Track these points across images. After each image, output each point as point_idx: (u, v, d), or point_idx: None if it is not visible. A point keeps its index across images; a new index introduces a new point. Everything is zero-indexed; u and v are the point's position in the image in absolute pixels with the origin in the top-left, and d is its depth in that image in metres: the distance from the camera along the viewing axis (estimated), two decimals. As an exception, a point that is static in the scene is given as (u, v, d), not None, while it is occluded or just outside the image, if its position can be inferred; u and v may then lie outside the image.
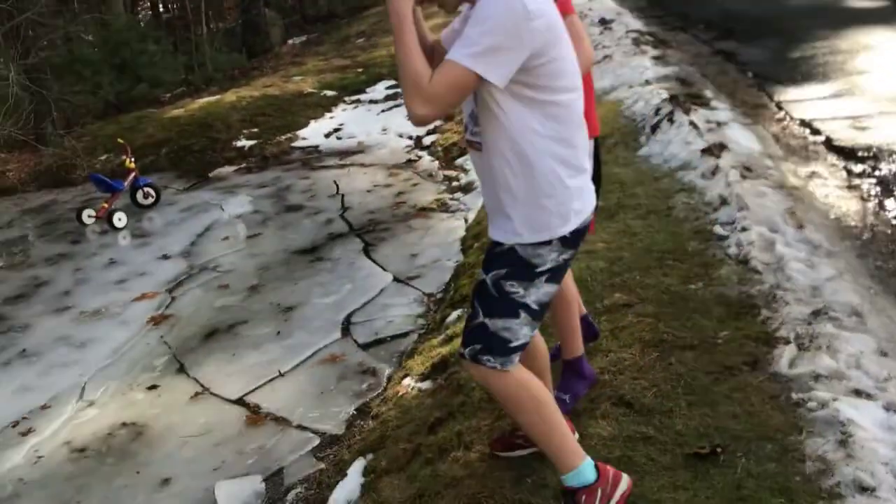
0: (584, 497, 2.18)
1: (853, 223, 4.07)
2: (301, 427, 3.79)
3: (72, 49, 10.22)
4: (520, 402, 2.13)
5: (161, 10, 16.05)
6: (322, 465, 3.45)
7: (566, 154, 2.03)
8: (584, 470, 2.18)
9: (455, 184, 7.02)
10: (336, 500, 3.08)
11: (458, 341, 3.90)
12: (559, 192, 2.03)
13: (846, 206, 4.27)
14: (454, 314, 4.34)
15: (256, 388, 4.16)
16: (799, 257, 3.48)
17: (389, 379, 4.06)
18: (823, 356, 2.74)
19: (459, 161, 7.48)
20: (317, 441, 3.66)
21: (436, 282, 5.08)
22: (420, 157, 8.04)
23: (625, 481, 2.25)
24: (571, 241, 2.09)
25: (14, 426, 4.10)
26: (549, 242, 2.05)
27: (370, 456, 3.27)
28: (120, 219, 6.99)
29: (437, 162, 7.79)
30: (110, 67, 10.66)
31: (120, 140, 7.67)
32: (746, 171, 4.55)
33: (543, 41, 1.89)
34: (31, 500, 3.53)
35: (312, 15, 18.71)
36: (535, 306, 2.08)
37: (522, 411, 2.15)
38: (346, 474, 3.22)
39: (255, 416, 3.93)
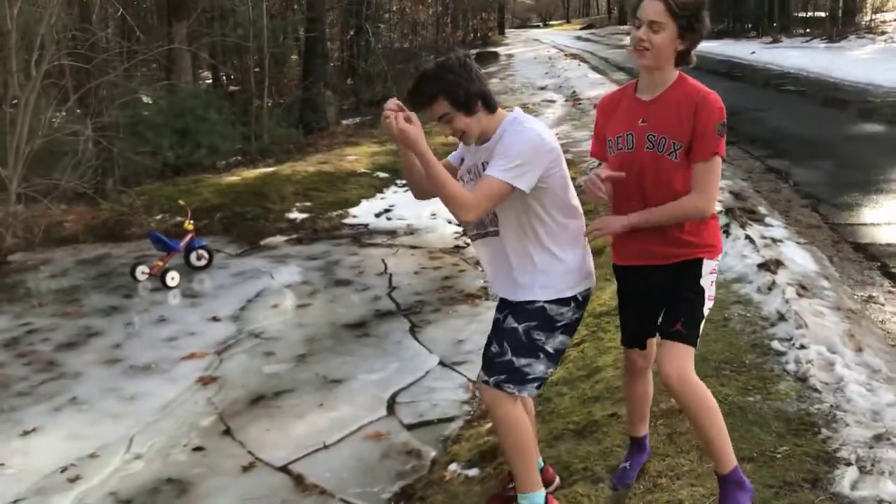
0: None
1: (910, 351, 4.08)
2: (344, 501, 3.80)
3: (138, 111, 10.63)
4: (510, 428, 2.71)
5: (225, 80, 16.69)
6: (367, 543, 3.45)
7: (574, 230, 2.78)
8: (536, 497, 2.79)
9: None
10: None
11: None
12: (569, 261, 2.74)
13: (903, 333, 4.29)
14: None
15: (301, 458, 4.19)
16: (859, 380, 3.49)
17: (434, 463, 4.07)
18: (887, 482, 2.74)
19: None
20: (360, 517, 3.67)
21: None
22: (468, 245, 8.16)
23: None
24: (583, 302, 2.81)
25: (63, 471, 4.15)
26: (568, 303, 2.74)
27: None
28: (173, 278, 7.15)
29: (484, 251, 7.89)
30: (172, 131, 11.05)
31: (181, 202, 7.91)
32: (803, 289, 4.59)
33: (552, 160, 2.65)
34: (73, 549, 3.55)
35: (367, 99, 19.29)
36: (550, 350, 2.75)
37: (510, 434, 2.72)
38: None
39: (300, 484, 3.95)
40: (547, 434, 3.67)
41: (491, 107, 2.66)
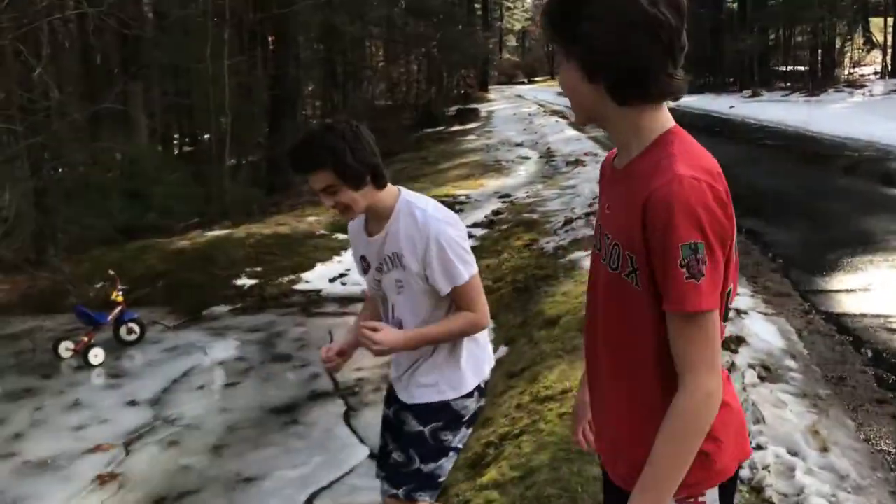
0: None
1: (886, 447, 3.56)
2: None
3: (86, 173, 10.18)
4: None
5: (180, 139, 16.26)
6: None
7: None
8: None
9: (454, 347, 6.59)
10: None
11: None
12: (472, 350, 2.55)
13: (877, 425, 3.77)
14: None
15: (189, 580, 3.62)
16: (822, 491, 2.97)
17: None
18: None
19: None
20: None
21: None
22: (422, 313, 7.66)
23: None
24: (485, 389, 2.63)
25: None
26: (471, 395, 2.55)
27: None
28: (97, 355, 6.60)
29: (439, 320, 7.38)
30: (122, 194, 10.58)
31: (110, 272, 7.39)
32: (765, 371, 4.09)
33: None
34: None
35: (340, 156, 18.95)
36: (458, 446, 2.59)
37: None
38: None
39: None
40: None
41: (381, 181, 2.39)
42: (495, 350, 6.02)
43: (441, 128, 26.35)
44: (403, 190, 2.49)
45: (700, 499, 1.56)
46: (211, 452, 4.94)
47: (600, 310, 1.63)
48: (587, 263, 2.55)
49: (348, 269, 9.32)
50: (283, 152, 14.46)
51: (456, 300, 2.44)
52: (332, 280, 9.03)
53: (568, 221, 8.93)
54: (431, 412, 2.51)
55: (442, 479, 2.58)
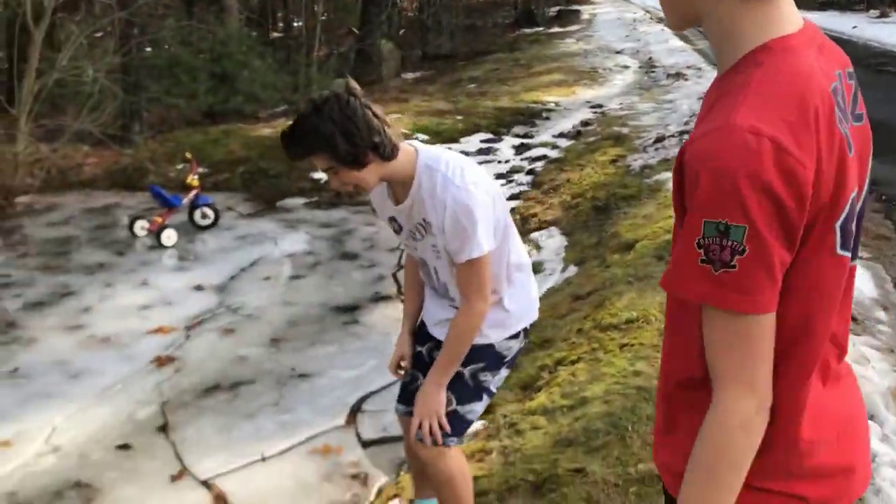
0: None
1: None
2: (261, 535, 3.24)
3: (175, 53, 10.14)
4: (454, 479, 2.45)
5: (272, 25, 16.08)
6: None
7: (520, 261, 2.43)
8: None
9: (524, 260, 6.40)
10: None
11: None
12: (517, 294, 2.41)
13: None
14: (475, 426, 3.72)
15: (231, 472, 3.64)
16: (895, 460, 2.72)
17: (379, 493, 3.47)
18: None
19: (535, 235, 6.86)
20: (272, 559, 3.10)
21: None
22: (496, 223, 7.46)
23: None
24: (529, 330, 2.51)
25: (-34, 461, 3.70)
26: (516, 336, 2.44)
27: None
28: (169, 237, 6.68)
29: (512, 231, 7.18)
30: (209, 76, 10.54)
31: (188, 155, 7.40)
32: (852, 322, 3.77)
33: (494, 205, 2.24)
34: (-56, 560, 3.09)
35: (432, 53, 18.52)
36: (493, 389, 2.47)
37: (452, 486, 2.45)
38: None
39: (218, 506, 3.40)
40: (501, 483, 3.02)
41: (386, 155, 2.14)
42: (564, 270, 5.82)
43: (539, 28, 25.39)
44: (421, 150, 2.25)
45: None
46: (269, 345, 4.95)
47: None
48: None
49: (426, 171, 9.17)
50: (371, 43, 14.20)
51: (457, 277, 2.27)
52: (409, 180, 8.89)
53: (660, 139, 8.48)
54: (473, 353, 2.37)
55: (471, 423, 2.47)
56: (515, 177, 8.66)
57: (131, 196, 8.25)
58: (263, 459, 3.73)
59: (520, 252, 2.46)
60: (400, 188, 2.27)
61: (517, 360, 4.02)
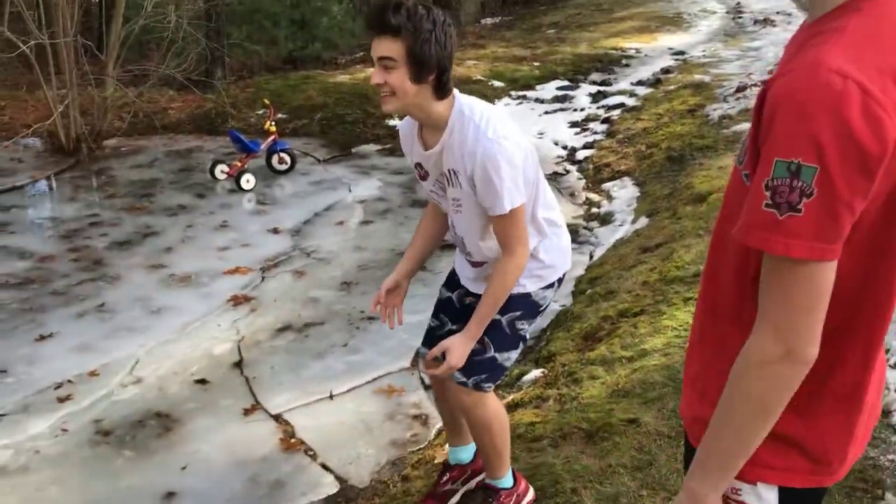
0: (503, 497, 2.65)
1: None
2: (325, 467, 3.39)
3: (257, -1, 10.29)
4: (492, 426, 2.51)
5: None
6: (324, 527, 3.04)
7: (551, 216, 2.44)
8: (509, 477, 2.67)
9: (594, 210, 6.38)
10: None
11: (522, 413, 3.38)
12: (551, 245, 2.46)
13: None
14: (533, 374, 3.79)
15: (300, 406, 3.81)
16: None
17: (439, 434, 3.59)
18: None
19: (607, 185, 6.81)
20: (333, 490, 3.25)
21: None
22: (568, 172, 7.42)
23: (531, 493, 2.72)
24: (560, 281, 2.55)
25: (57, 388, 3.96)
26: (552, 285, 2.50)
27: (372, 536, 2.83)
28: (248, 181, 6.87)
29: (584, 181, 7.14)
30: (289, 22, 10.65)
31: (266, 101, 7.55)
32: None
33: (527, 159, 2.25)
34: (37, 477, 3.34)
35: (513, -4, 18.24)
36: (528, 336, 2.54)
37: (490, 433, 2.52)
38: (339, 550, 2.80)
39: (286, 440, 3.57)
40: (555, 429, 3.09)
41: (442, 91, 2.17)
42: (635, 221, 5.77)
43: (625, -28, 24.60)
44: (459, 98, 2.24)
45: (741, 496, 1.24)
46: (340, 287, 5.10)
47: (723, 214, 1.30)
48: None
49: (501, 119, 9.13)
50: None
51: (494, 229, 2.29)
52: (483, 128, 8.87)
53: (741, 88, 8.22)
54: (511, 302, 2.40)
55: (507, 370, 2.52)
56: (591, 125, 8.55)
57: (212, 140, 8.49)
58: (331, 397, 3.88)
59: (551, 206, 2.46)
60: (430, 133, 2.27)
61: (574, 310, 4.07)
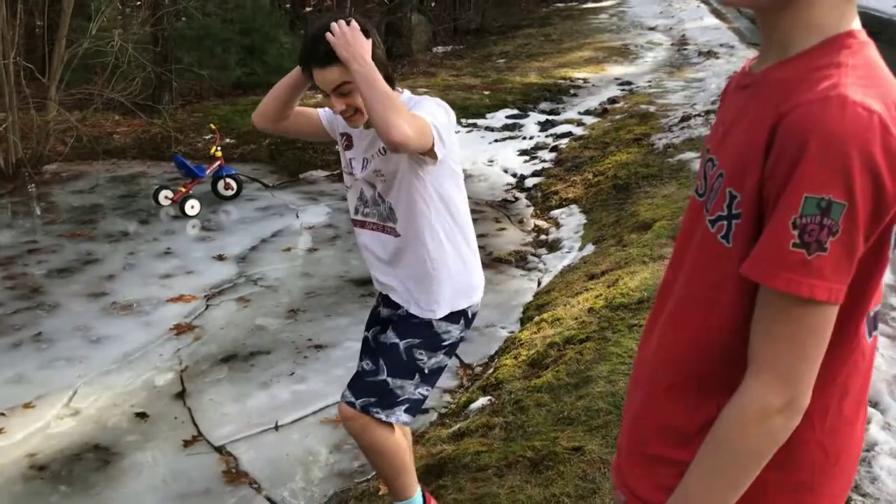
0: None
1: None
2: (269, 500, 3.32)
3: (207, 24, 10.20)
4: (383, 452, 2.45)
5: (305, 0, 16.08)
6: (267, 562, 2.97)
7: (467, 233, 2.45)
8: (416, 499, 2.60)
9: (542, 237, 6.42)
10: None
11: (468, 442, 3.36)
12: (459, 276, 2.41)
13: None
14: (481, 401, 3.78)
15: (245, 437, 3.73)
16: (895, 449, 2.73)
17: (386, 464, 3.54)
18: None
19: (555, 213, 6.88)
20: (279, 524, 3.19)
21: (479, 351, 4.52)
22: (517, 199, 7.48)
23: None
24: (471, 320, 2.51)
25: (-11, 421, 3.83)
26: (458, 319, 2.44)
27: (315, 570, 2.77)
28: (193, 206, 6.78)
29: (532, 208, 7.20)
30: (239, 48, 10.59)
31: (212, 126, 7.49)
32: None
33: (454, 133, 2.30)
34: (-35, 515, 3.21)
35: (463, 27, 18.40)
36: (427, 371, 2.43)
37: (383, 459, 2.47)
38: (282, 586, 2.74)
39: (230, 472, 3.50)
40: (500, 458, 3.07)
41: (391, 85, 2.22)
42: (582, 248, 5.83)
43: (573, 2, 25.10)
44: (406, 92, 2.38)
45: None
46: (287, 315, 5.04)
47: (678, 267, 1.24)
48: (696, 166, 2.20)
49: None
50: (401, 17, 14.12)
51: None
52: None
53: (685, 118, 8.40)
54: (412, 327, 2.41)
55: (402, 401, 2.40)
56: (539, 153, 8.64)
57: (157, 166, 8.37)
58: (276, 428, 3.81)
59: (468, 236, 2.47)
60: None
61: (521, 337, 4.04)
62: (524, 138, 9.28)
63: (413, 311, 2.43)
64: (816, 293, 1.00)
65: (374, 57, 2.13)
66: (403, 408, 2.41)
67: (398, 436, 2.48)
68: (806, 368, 1.04)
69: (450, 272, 2.39)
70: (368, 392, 2.38)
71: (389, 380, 2.38)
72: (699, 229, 1.17)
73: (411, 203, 2.33)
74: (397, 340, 2.41)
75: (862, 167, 0.96)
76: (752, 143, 1.06)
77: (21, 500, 3.30)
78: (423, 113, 2.17)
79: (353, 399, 2.39)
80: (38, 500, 3.30)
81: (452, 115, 2.31)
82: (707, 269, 1.14)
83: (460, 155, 2.41)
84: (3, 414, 3.88)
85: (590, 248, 5.66)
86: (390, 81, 2.21)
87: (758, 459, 1.07)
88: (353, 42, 2.08)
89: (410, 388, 2.41)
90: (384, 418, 2.38)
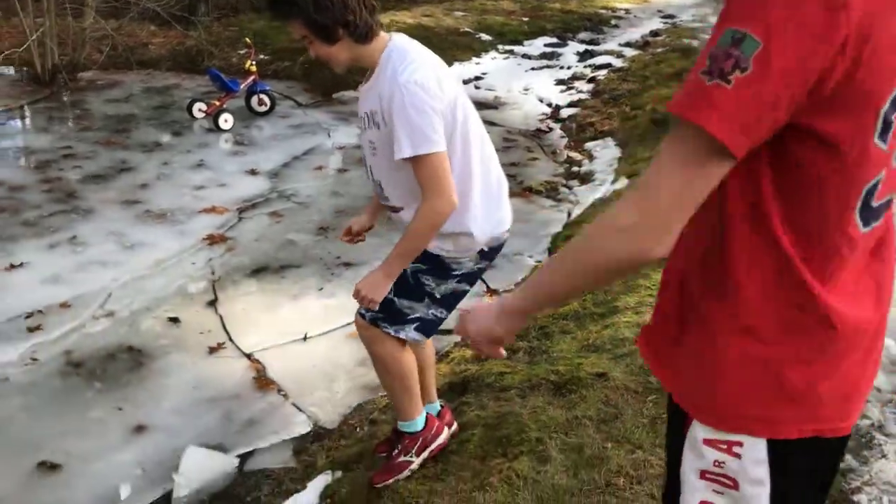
0: (407, 441, 2.64)
1: None
2: (296, 407, 3.41)
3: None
4: (388, 367, 2.49)
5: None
6: (293, 464, 3.07)
7: (479, 186, 2.34)
8: (418, 421, 2.64)
9: (575, 169, 6.38)
10: (280, 519, 2.70)
11: (492, 363, 3.41)
12: (478, 223, 2.33)
13: None
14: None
15: (274, 347, 3.82)
16: None
17: (409, 380, 3.61)
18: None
19: (590, 145, 6.81)
20: (306, 429, 3.27)
21: (506, 278, 4.54)
22: (551, 129, 7.40)
23: (444, 437, 2.71)
24: (488, 254, 2.44)
25: (27, 317, 3.94)
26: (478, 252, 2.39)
27: (338, 474, 2.86)
28: (226, 120, 6.79)
29: (566, 139, 7.13)
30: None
31: (247, 40, 7.42)
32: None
33: (448, 107, 2.21)
34: (6, 404, 3.33)
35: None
36: (438, 296, 2.41)
37: (388, 374, 2.52)
38: (305, 486, 2.83)
39: (259, 379, 3.59)
40: (524, 380, 3.12)
41: (361, 36, 2.19)
42: (615, 181, 5.79)
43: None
44: (394, 42, 2.25)
45: (736, 449, 1.15)
46: (316, 232, 5.08)
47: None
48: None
49: (485, 73, 9.07)
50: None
51: (415, 174, 2.18)
52: (466, 82, 8.80)
53: (727, 54, 8.20)
54: (420, 254, 2.37)
55: (412, 319, 2.41)
56: (576, 84, 8.51)
57: (191, 78, 8.35)
58: (305, 339, 3.89)
59: (489, 170, 2.39)
60: (367, 76, 2.29)
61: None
62: (561, 68, 9.13)
63: None
64: (704, 121, 0.94)
65: (323, 14, 2.10)
66: (413, 326, 2.42)
67: (408, 359, 2.50)
68: (669, 201, 1.01)
69: (453, 236, 2.33)
70: (378, 308, 2.39)
71: (396, 300, 2.38)
72: None
73: (391, 168, 2.27)
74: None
75: (787, 6, 0.90)
76: None
77: (59, 395, 3.41)
78: (425, 140, 2.12)
79: (363, 311, 2.43)
80: (75, 395, 3.41)
81: (433, 78, 2.17)
82: None
83: (497, 83, 2.36)
84: (41, 312, 3.98)
85: (623, 182, 5.61)
86: (356, 32, 2.16)
87: (589, 267, 1.11)
88: (362, 286, 2.33)
89: (421, 309, 2.42)
90: (392, 333, 2.41)
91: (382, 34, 2.25)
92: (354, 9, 2.14)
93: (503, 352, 1.36)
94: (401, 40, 2.27)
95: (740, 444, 1.14)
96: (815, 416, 1.14)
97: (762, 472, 1.14)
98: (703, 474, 1.19)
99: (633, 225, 1.03)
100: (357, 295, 2.35)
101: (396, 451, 2.65)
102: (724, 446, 1.15)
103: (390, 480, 2.62)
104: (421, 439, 2.64)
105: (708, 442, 1.17)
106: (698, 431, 1.18)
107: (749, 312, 1.11)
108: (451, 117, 2.22)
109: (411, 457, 2.64)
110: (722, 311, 1.14)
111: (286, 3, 2.15)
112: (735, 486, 1.16)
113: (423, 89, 2.13)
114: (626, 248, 1.05)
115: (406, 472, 2.63)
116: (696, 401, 1.19)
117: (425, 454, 2.66)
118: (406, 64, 2.16)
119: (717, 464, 1.17)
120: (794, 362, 1.12)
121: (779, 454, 1.14)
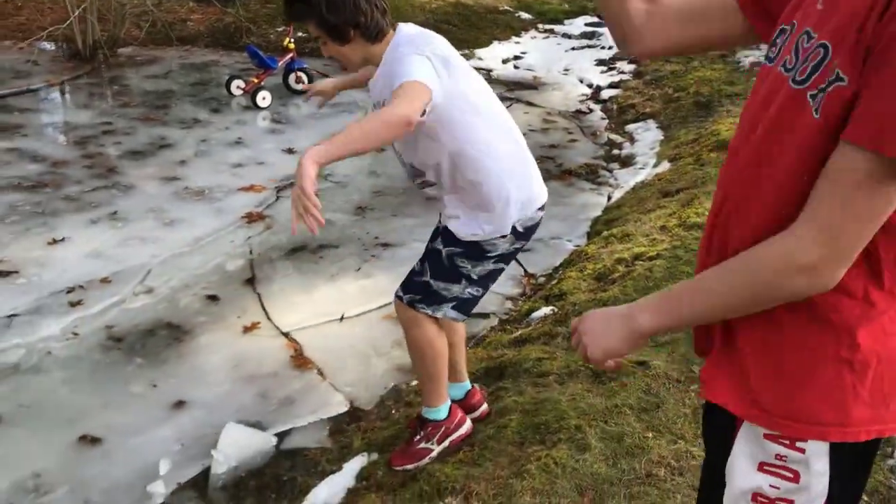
0: (430, 429, 2.71)
1: None
2: (333, 387, 3.41)
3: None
4: (423, 350, 2.55)
5: None
6: (329, 445, 3.07)
7: (505, 158, 2.39)
8: (443, 409, 2.71)
9: (615, 151, 6.29)
10: (316, 497, 2.70)
11: (529, 349, 3.38)
12: (507, 193, 2.37)
13: None
14: (543, 311, 3.78)
15: (311, 327, 3.82)
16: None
17: (447, 363, 3.59)
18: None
19: (631, 127, 6.71)
20: (342, 409, 3.27)
21: (544, 262, 4.50)
22: (591, 111, 7.31)
23: (465, 428, 2.76)
24: (523, 234, 2.47)
25: (68, 292, 3.98)
26: (504, 236, 2.42)
27: (374, 456, 2.85)
28: (264, 98, 6.79)
29: (607, 121, 7.03)
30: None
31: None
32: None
33: (447, 62, 2.28)
34: (48, 378, 3.37)
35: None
36: (475, 276, 2.48)
37: (421, 359, 2.58)
38: (341, 468, 2.83)
39: (296, 358, 3.59)
40: (562, 367, 3.09)
41: (372, 36, 2.29)
42: (657, 165, 5.69)
43: None
44: (401, 32, 2.32)
45: (800, 444, 1.13)
46: (355, 212, 5.07)
47: (746, 141, 1.14)
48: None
49: (524, 52, 8.97)
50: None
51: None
52: (505, 61, 8.73)
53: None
54: (455, 238, 2.46)
55: (450, 299, 2.48)
56: (618, 65, 8.39)
57: (229, 55, 8.36)
58: (342, 320, 3.89)
59: (508, 144, 2.45)
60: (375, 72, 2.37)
61: (588, 251, 3.97)
62: (603, 48, 9.00)
63: (455, 230, 2.46)
64: None
65: (336, 16, 2.20)
66: (451, 305, 2.50)
67: (442, 346, 2.57)
68: (855, 239, 1.01)
69: (489, 196, 2.38)
70: (415, 290, 2.50)
71: (432, 282, 2.47)
72: (777, 101, 1.08)
73: (431, 157, 2.36)
74: (441, 247, 2.48)
75: None
76: (855, 13, 0.97)
77: (100, 369, 3.44)
78: (404, 75, 2.13)
79: (401, 293, 2.53)
80: (115, 369, 3.44)
81: (440, 47, 2.27)
82: (785, 142, 1.06)
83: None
84: (82, 287, 4.02)
85: (665, 166, 5.52)
86: (368, 33, 2.25)
87: (757, 297, 1.08)
88: (302, 193, 1.98)
89: (457, 289, 2.48)
90: (430, 313, 2.49)
91: (391, 32, 2.32)
92: (365, 10, 2.24)
93: (614, 363, 1.27)
94: (406, 28, 2.34)
95: (805, 440, 1.13)
96: (883, 417, 1.14)
97: (823, 465, 1.14)
98: (762, 466, 1.17)
99: (815, 264, 1.03)
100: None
101: (418, 436, 2.72)
102: (788, 442, 1.14)
103: (410, 466, 2.69)
104: (443, 428, 2.72)
105: (770, 437, 1.15)
106: (759, 427, 1.16)
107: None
108: (468, 92, 2.30)
109: (432, 444, 2.72)
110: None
111: (300, 5, 2.25)
112: (796, 478, 1.15)
113: (415, 47, 2.22)
114: (808, 283, 1.04)
115: (426, 460, 2.69)
116: (763, 403, 1.16)
117: (445, 443, 2.73)
118: (405, 43, 2.26)
119: (779, 457, 1.15)
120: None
121: (842, 448, 1.14)
